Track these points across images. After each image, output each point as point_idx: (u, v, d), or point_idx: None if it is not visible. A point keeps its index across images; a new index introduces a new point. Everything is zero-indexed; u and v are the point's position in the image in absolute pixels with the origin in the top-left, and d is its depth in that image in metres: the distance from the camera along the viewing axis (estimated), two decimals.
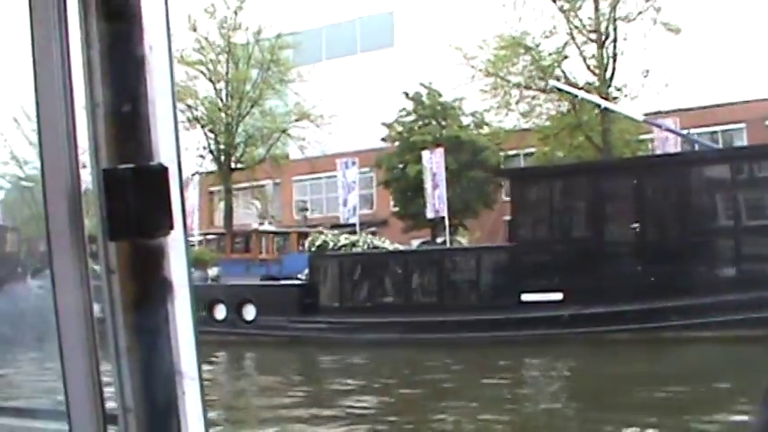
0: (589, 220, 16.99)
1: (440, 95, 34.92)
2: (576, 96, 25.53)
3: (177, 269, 1.01)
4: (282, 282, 20.20)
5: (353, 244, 19.69)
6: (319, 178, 39.98)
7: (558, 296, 16.52)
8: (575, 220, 17.12)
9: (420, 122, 34.68)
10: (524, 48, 24.81)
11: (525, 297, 17.14)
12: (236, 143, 31.65)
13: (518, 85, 25.97)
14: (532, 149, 33.27)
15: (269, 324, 19.23)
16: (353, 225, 27.90)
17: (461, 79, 27.50)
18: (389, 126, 36.05)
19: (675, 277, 15.46)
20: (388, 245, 20.65)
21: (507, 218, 35.41)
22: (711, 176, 15.97)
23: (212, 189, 38.66)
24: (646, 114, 23.68)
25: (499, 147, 33.67)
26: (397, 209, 35.23)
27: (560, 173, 18.46)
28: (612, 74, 24.85)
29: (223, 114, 30.48)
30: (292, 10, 34.18)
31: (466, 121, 34.76)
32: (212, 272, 23.43)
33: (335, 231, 20.53)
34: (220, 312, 20.09)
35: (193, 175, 34.51)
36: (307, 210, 32.59)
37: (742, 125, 29.51)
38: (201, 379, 1.04)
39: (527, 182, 17.84)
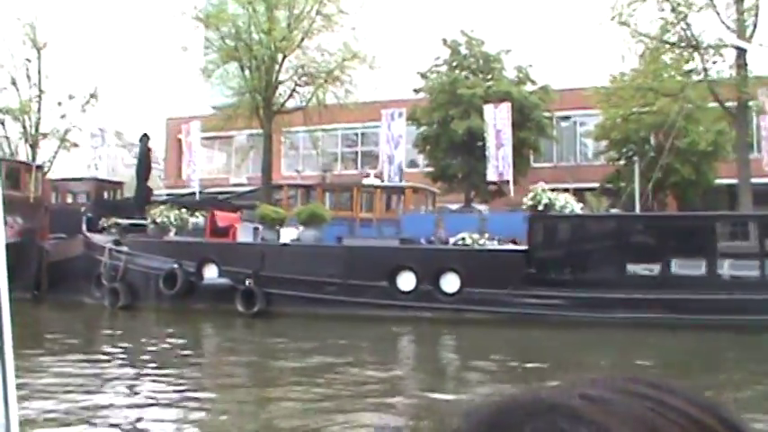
0: None
1: (482, 44, 30.93)
2: (706, 56, 22.56)
3: None
4: (497, 246, 15.91)
5: (563, 205, 15.65)
6: (314, 130, 34.57)
7: None
8: None
9: (459, 73, 30.45)
10: None
11: None
12: (280, 81, 26.11)
13: (648, 36, 22.62)
14: (590, 111, 30.27)
15: (479, 298, 15.00)
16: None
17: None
18: (424, 76, 31.57)
19: None
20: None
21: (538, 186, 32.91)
22: None
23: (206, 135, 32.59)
24: None
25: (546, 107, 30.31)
26: (430, 169, 30.92)
27: None
28: (753, 31, 22.05)
29: (268, 47, 24.84)
30: None
31: (509, 76, 30.96)
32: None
33: None
34: (407, 282, 15.73)
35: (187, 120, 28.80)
36: (329, 171, 27.69)
37: None
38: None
39: None
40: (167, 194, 36.00)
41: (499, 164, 26.42)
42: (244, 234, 18.55)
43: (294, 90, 27.33)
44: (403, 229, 20.18)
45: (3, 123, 30.61)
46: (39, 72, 31.26)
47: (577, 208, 17.34)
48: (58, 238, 22.23)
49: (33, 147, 31.05)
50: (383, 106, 29.10)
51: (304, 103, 28.13)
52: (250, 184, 38.09)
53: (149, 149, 20.49)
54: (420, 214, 21.54)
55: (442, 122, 30.38)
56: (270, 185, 27.47)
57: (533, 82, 31.57)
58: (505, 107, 26.30)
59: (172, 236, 18.63)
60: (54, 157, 31.41)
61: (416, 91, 32.66)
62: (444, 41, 31.94)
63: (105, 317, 17.63)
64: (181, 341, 13.75)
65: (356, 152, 40.12)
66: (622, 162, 29.94)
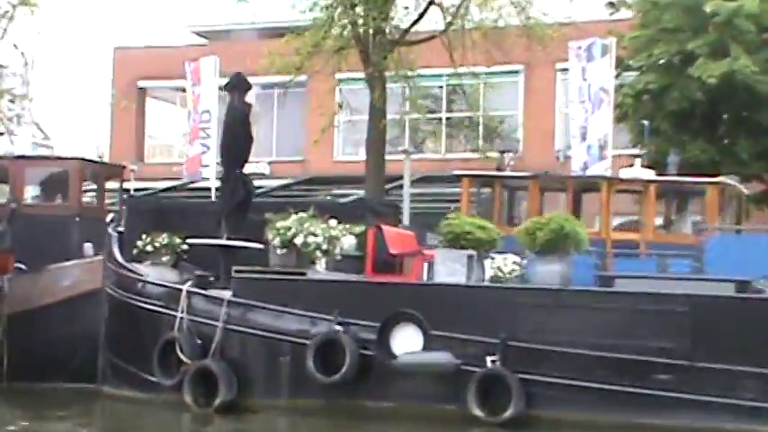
0: None
1: None
2: None
3: None
4: None
5: None
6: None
7: None
8: None
9: None
10: None
11: None
12: None
13: None
14: None
15: None
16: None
17: None
18: None
19: None
20: None
21: None
22: None
23: None
24: None
25: None
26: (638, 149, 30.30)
27: None
28: None
29: None
30: None
31: None
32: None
33: None
34: None
35: None
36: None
37: None
38: None
39: None
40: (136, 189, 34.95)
41: None
42: (445, 268, 17.50)
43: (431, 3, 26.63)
44: (707, 262, 19.33)
45: None
46: None
47: None
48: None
49: None
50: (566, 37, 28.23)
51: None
52: (279, 176, 37.14)
53: (248, 105, 19.22)
54: (743, 236, 20.83)
55: (669, 66, 29.90)
56: (380, 174, 26.64)
57: None
58: None
59: (321, 270, 17.67)
60: None
61: (612, 5, 32.06)
62: None
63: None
64: None
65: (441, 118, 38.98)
66: None
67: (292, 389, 16.87)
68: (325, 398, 16.51)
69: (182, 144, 42.80)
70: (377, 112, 26.84)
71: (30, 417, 17.61)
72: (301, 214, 17.51)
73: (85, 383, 20.07)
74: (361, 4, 26.20)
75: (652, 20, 30.50)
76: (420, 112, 32.29)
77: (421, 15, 27.12)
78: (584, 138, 26.15)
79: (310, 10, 27.08)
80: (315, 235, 17.27)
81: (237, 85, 19.16)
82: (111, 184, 27.24)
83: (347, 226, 17.95)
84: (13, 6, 30.22)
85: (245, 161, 19.26)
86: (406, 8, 27.05)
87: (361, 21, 26.54)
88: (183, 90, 39.96)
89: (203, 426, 16.67)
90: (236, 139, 19.05)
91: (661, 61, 30.07)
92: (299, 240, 17.23)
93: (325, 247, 17.39)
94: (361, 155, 36.50)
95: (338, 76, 34.24)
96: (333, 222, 17.62)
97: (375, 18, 26.03)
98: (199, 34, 44.34)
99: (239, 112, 19.04)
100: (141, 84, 40.02)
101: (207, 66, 28.86)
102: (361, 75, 30.81)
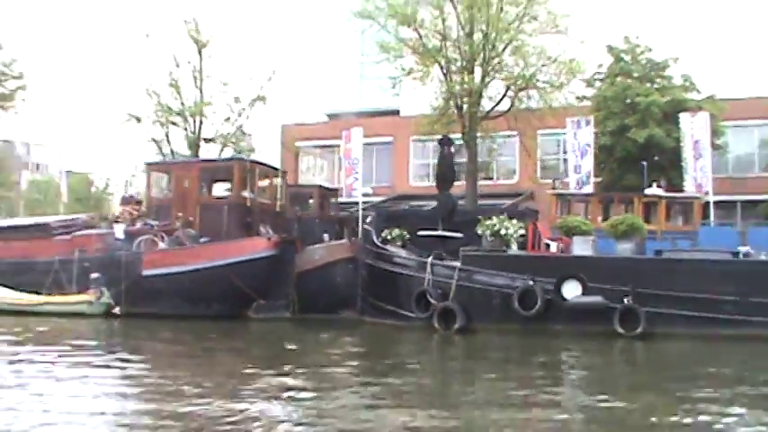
0: None
1: (649, 51, 29.87)
2: None
3: None
4: None
5: None
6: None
7: None
8: None
9: (624, 81, 29.38)
10: None
11: None
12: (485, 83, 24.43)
13: None
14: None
15: None
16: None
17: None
18: (590, 83, 30.33)
19: None
20: None
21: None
22: None
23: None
24: None
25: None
26: (597, 179, 29.47)
27: None
28: None
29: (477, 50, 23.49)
30: None
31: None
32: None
33: None
34: None
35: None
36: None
37: None
38: None
39: None
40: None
41: (698, 175, 25.16)
42: (579, 247, 16.76)
43: (506, 94, 25.56)
44: (700, 243, 18.77)
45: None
46: (200, 72, 28.99)
47: None
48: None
49: (192, 150, 28.78)
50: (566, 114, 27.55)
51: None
52: (377, 194, 36.05)
53: (452, 153, 18.42)
54: (720, 227, 20.16)
55: (615, 132, 29.22)
56: (474, 194, 25.66)
57: (698, 91, 30.55)
58: (703, 117, 25.01)
59: (515, 249, 16.80)
60: None
61: (579, 99, 31.30)
62: (610, 48, 30.73)
63: (455, 342, 15.43)
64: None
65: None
66: None
67: (501, 318, 15.95)
68: (522, 324, 15.64)
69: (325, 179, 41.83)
70: (472, 159, 25.78)
71: (327, 334, 16.34)
72: (500, 216, 16.77)
73: (330, 314, 18.94)
74: (463, 98, 25.12)
75: (603, 106, 29.85)
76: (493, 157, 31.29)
77: (498, 102, 25.95)
78: (576, 171, 25.58)
79: (436, 99, 25.98)
80: (508, 228, 16.51)
81: (445, 141, 18.40)
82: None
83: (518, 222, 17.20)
84: (251, 103, 29.03)
85: (451, 185, 18.41)
86: (491, 98, 25.86)
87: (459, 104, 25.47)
88: (322, 147, 39.53)
89: (449, 341, 15.52)
90: (446, 174, 18.25)
91: (610, 129, 29.34)
92: (502, 232, 16.48)
93: (515, 235, 16.62)
94: (427, 182, 35.40)
95: (412, 137, 33.72)
96: (514, 221, 16.86)
97: (473, 105, 25.08)
98: (330, 115, 43.12)
99: (447, 158, 18.30)
100: (297, 144, 38.54)
101: (356, 132, 27.73)
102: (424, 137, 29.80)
